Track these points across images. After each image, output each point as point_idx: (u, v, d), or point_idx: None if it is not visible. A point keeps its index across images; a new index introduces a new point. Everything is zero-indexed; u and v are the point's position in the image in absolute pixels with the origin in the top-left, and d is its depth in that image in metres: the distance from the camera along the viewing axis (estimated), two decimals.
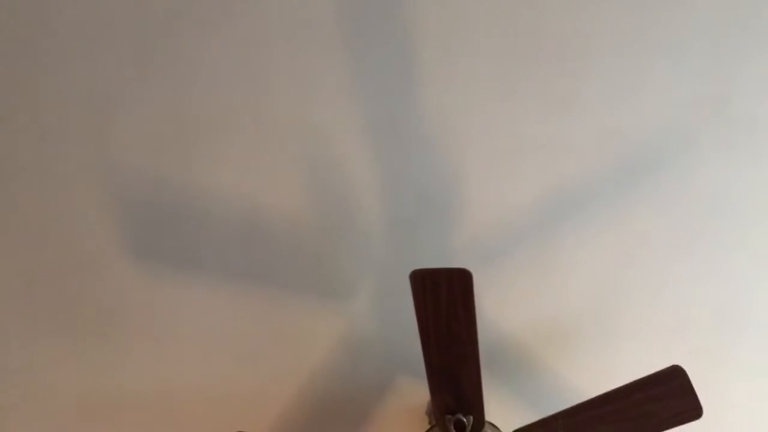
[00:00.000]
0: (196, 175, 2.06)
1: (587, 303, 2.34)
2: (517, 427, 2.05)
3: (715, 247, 2.25)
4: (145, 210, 2.10)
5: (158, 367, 2.41)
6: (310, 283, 2.26)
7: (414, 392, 2.50)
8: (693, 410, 1.88)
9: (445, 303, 1.73)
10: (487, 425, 2.15)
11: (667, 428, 1.91)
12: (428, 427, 2.32)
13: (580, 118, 2.03)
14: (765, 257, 2.29)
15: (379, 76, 1.94)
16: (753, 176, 2.14)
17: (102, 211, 2.09)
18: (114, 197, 2.07)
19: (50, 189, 2.04)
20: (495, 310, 2.33)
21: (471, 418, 1.97)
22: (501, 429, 2.25)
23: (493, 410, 2.34)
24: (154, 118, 1.96)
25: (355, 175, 2.08)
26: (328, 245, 2.19)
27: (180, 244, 2.17)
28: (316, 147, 2.04)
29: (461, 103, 1.99)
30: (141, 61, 1.88)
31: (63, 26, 1.83)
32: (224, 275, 2.24)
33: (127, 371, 2.41)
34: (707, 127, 2.05)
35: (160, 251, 2.18)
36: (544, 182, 2.12)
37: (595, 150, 2.07)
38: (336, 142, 2.03)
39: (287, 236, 2.16)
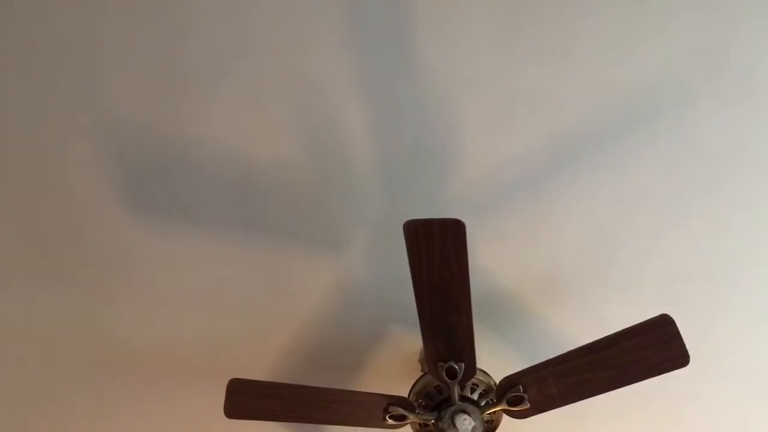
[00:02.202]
0: (190, 126, 2.04)
1: (579, 253, 2.36)
2: (507, 374, 2.09)
3: (707, 200, 2.26)
4: (138, 161, 2.09)
5: (154, 316, 2.44)
6: (304, 233, 2.26)
7: (407, 340, 2.54)
8: (680, 358, 1.92)
9: (438, 253, 1.74)
10: (478, 372, 2.19)
11: (655, 375, 1.95)
12: (421, 374, 2.36)
13: (576, 69, 2.01)
14: (757, 211, 2.30)
15: (373, 27, 1.91)
16: (748, 129, 2.13)
17: (96, 162, 2.07)
18: (108, 149, 2.05)
19: (44, 141, 2.02)
20: (487, 261, 2.35)
21: (463, 365, 2.00)
22: (492, 376, 2.29)
23: (485, 358, 2.38)
24: (147, 69, 1.93)
25: (348, 126, 2.07)
26: (322, 196, 2.19)
27: (174, 195, 2.17)
28: (310, 98, 2.02)
29: (456, 54, 1.97)
30: (133, 12, 1.85)
31: None
32: (218, 226, 2.24)
33: (123, 320, 2.43)
34: (704, 79, 2.03)
35: (154, 202, 2.18)
36: (538, 134, 2.11)
37: (590, 102, 2.05)
38: (330, 93, 2.01)
39: (281, 187, 2.16)
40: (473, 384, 2.22)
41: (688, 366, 1.92)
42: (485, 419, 2.13)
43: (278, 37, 1.91)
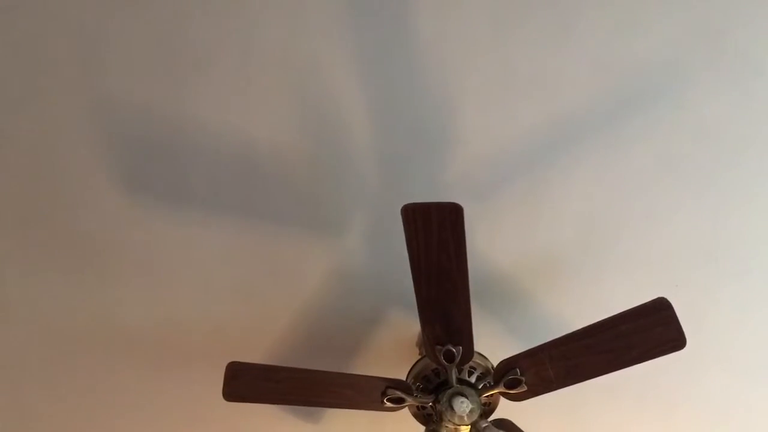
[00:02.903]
0: (187, 108, 2.03)
1: (577, 236, 2.36)
2: (505, 357, 2.10)
3: (706, 182, 2.26)
4: (136, 143, 2.08)
5: (152, 299, 2.44)
6: (302, 216, 2.26)
7: (405, 324, 2.55)
8: (677, 341, 1.92)
9: (436, 237, 1.75)
10: (476, 355, 2.20)
11: (652, 358, 1.96)
12: (418, 357, 2.37)
13: (576, 51, 2.00)
14: (755, 192, 2.30)
15: (372, 7, 1.90)
16: (749, 111, 2.13)
17: (94, 144, 2.07)
18: (105, 131, 2.05)
19: (41, 122, 2.02)
20: (485, 244, 2.35)
21: (460, 348, 2.01)
22: (490, 359, 2.30)
23: (483, 341, 2.39)
24: (144, 50, 1.92)
25: (347, 108, 2.06)
26: (320, 179, 2.19)
27: (172, 177, 2.16)
28: (307, 80, 2.01)
29: (455, 36, 1.96)
30: None
31: None
32: (217, 209, 2.24)
33: (122, 304, 2.44)
34: (704, 61, 2.03)
35: (152, 186, 2.18)
36: (537, 116, 2.10)
37: (590, 84, 2.05)
38: (328, 75, 2.00)
39: (279, 170, 2.16)
40: (471, 367, 2.23)
41: (684, 349, 1.93)
42: (483, 402, 2.14)
43: (275, 18, 1.90)
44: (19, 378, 2.64)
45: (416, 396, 2.14)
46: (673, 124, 2.13)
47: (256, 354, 2.58)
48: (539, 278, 2.46)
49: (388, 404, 2.12)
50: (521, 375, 2.06)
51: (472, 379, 2.23)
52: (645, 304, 1.91)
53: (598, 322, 1.96)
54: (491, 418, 2.25)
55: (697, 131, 2.15)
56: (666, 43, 1.99)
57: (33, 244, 2.27)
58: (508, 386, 2.08)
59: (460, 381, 2.16)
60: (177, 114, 2.04)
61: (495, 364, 2.13)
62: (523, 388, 2.08)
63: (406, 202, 1.70)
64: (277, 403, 2.14)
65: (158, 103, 2.02)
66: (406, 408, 2.22)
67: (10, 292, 2.38)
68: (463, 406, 2.04)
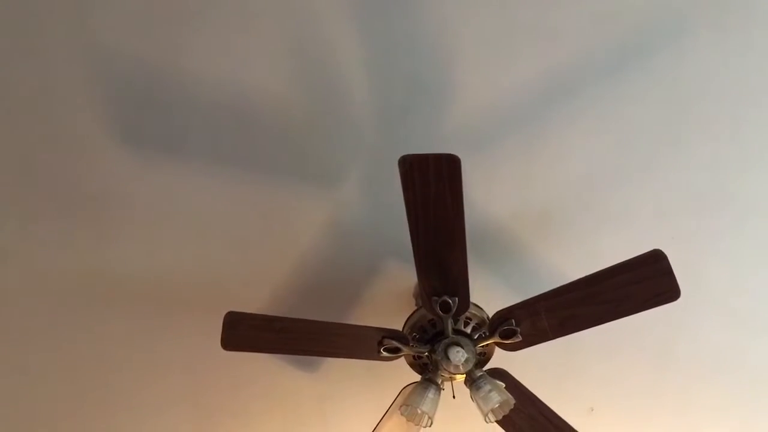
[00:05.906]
0: (184, 60, 2.00)
1: (574, 188, 2.36)
2: (500, 308, 2.11)
3: (702, 134, 2.25)
4: (132, 95, 2.06)
5: (149, 250, 2.44)
6: (299, 168, 2.25)
7: (401, 275, 2.56)
8: (672, 292, 1.94)
9: (433, 188, 1.74)
10: (471, 306, 2.22)
11: (647, 309, 1.98)
12: (415, 308, 2.39)
13: (575, 1, 1.97)
14: (752, 145, 2.29)
15: None
16: (745, 62, 2.11)
17: (89, 96, 2.04)
18: (100, 82, 2.02)
19: (37, 75, 1.99)
20: (482, 195, 2.35)
21: (456, 299, 2.03)
22: (485, 310, 2.32)
23: (478, 292, 2.41)
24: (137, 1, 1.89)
25: (344, 58, 2.03)
26: (317, 130, 2.17)
27: (168, 130, 2.14)
28: (304, 29, 1.98)
29: None
30: None
31: None
32: (213, 161, 2.23)
33: (118, 255, 2.44)
34: (701, 10, 2.00)
35: (148, 137, 2.16)
36: (535, 67, 2.08)
37: (587, 34, 2.02)
38: (325, 24, 1.97)
39: (276, 121, 2.14)
40: (466, 318, 2.25)
41: (679, 300, 1.95)
42: (478, 352, 2.17)
43: None
44: (15, 328, 2.65)
45: (412, 346, 2.17)
46: (673, 75, 2.10)
47: (253, 305, 2.59)
48: (536, 230, 2.46)
49: (385, 354, 2.15)
50: (516, 325, 2.08)
51: (468, 330, 2.25)
52: (640, 255, 1.92)
53: (593, 274, 1.97)
54: (486, 367, 2.28)
55: (696, 84, 2.13)
56: None
57: (31, 195, 2.25)
58: (503, 336, 2.11)
59: (456, 331, 2.18)
60: (173, 65, 2.01)
61: (490, 315, 2.15)
62: (518, 339, 2.11)
63: (403, 154, 1.69)
64: (275, 353, 2.16)
65: (154, 54, 1.99)
66: (403, 358, 2.25)
67: (7, 241, 2.38)
68: (459, 355, 2.06)
